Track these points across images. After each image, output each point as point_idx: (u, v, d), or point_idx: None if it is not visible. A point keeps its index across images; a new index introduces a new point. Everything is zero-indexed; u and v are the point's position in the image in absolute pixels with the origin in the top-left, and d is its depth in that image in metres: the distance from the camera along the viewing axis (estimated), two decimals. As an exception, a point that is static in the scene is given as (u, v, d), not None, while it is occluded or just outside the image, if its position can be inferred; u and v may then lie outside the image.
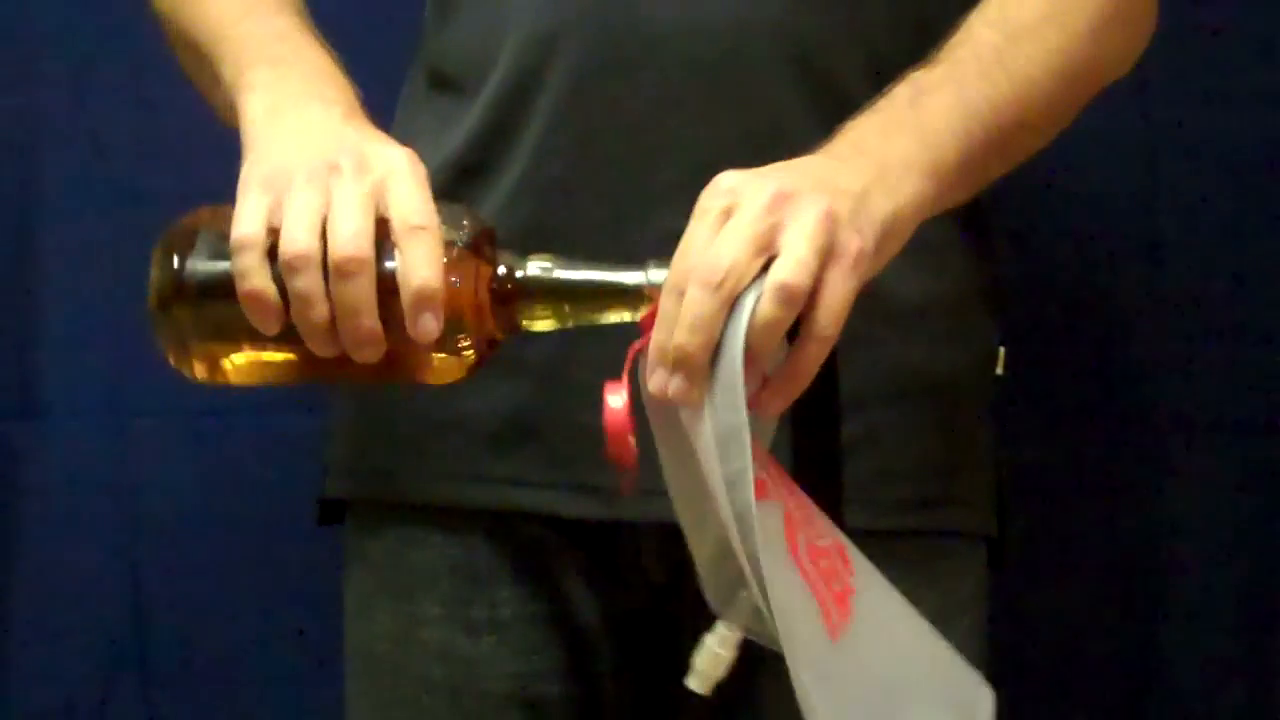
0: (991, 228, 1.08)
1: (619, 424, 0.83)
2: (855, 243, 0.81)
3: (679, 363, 0.79)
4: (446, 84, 1.05)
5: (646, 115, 0.97)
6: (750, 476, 0.78)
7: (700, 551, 0.88)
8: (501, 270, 0.86)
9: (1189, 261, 1.45)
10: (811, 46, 0.98)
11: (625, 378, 0.83)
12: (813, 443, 0.89)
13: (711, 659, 0.87)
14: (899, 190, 0.85)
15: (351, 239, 0.81)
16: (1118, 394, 1.47)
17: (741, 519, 0.79)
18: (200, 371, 0.88)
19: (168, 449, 1.49)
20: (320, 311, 0.82)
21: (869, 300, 0.83)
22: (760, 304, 0.79)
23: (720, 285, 0.78)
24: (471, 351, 0.86)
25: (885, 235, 0.83)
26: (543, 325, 0.87)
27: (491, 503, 1.02)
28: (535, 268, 0.86)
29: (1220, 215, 1.45)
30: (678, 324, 0.79)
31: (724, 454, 0.79)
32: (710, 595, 0.88)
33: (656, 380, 0.81)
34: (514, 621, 1.04)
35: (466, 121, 1.01)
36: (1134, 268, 1.47)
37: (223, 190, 1.47)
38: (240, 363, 0.87)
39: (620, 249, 0.89)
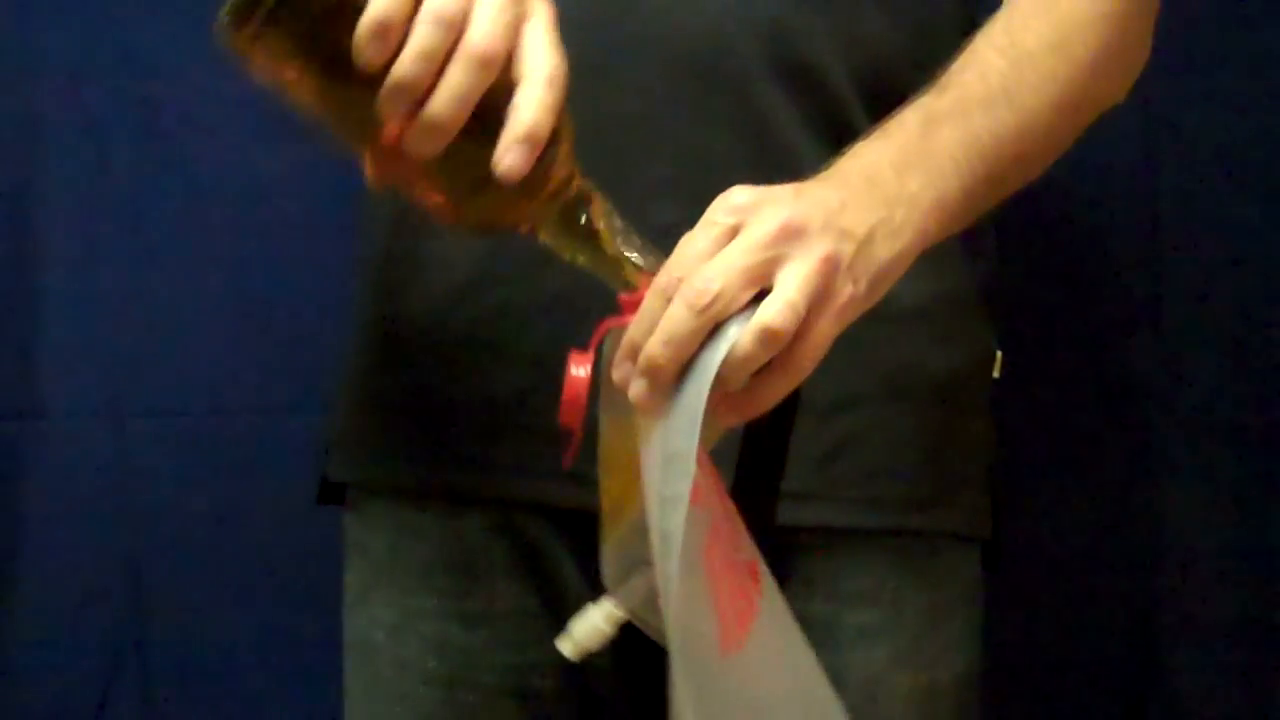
0: (989, 231, 1.08)
1: (577, 396, 0.82)
2: (848, 291, 0.81)
3: (646, 370, 0.79)
4: None
5: (636, 111, 0.97)
6: (685, 504, 0.78)
7: (610, 527, 0.88)
8: (566, 172, 0.85)
9: (1188, 261, 1.45)
10: (802, 47, 0.98)
11: (592, 352, 0.83)
12: (759, 449, 0.89)
13: (589, 630, 0.87)
14: (901, 234, 0.84)
15: (494, 35, 0.79)
16: (1116, 394, 1.47)
17: (667, 539, 0.78)
18: (259, 59, 0.82)
19: (168, 449, 1.49)
20: (425, 71, 0.79)
21: None
22: (741, 339, 0.78)
23: (705, 309, 0.78)
24: (503, 208, 0.85)
25: (880, 281, 0.83)
26: (551, 239, 0.86)
27: (490, 491, 1.02)
28: (598, 197, 0.85)
29: (1220, 214, 1.45)
30: (654, 333, 0.79)
31: (666, 473, 0.78)
32: (607, 570, 0.88)
33: (620, 373, 0.80)
34: (510, 614, 1.04)
35: None
36: (1133, 267, 1.47)
37: (222, 190, 1.49)
38: (305, 79, 0.82)
39: None
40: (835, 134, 0.95)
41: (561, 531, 1.03)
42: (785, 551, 0.96)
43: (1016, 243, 1.38)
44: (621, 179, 0.87)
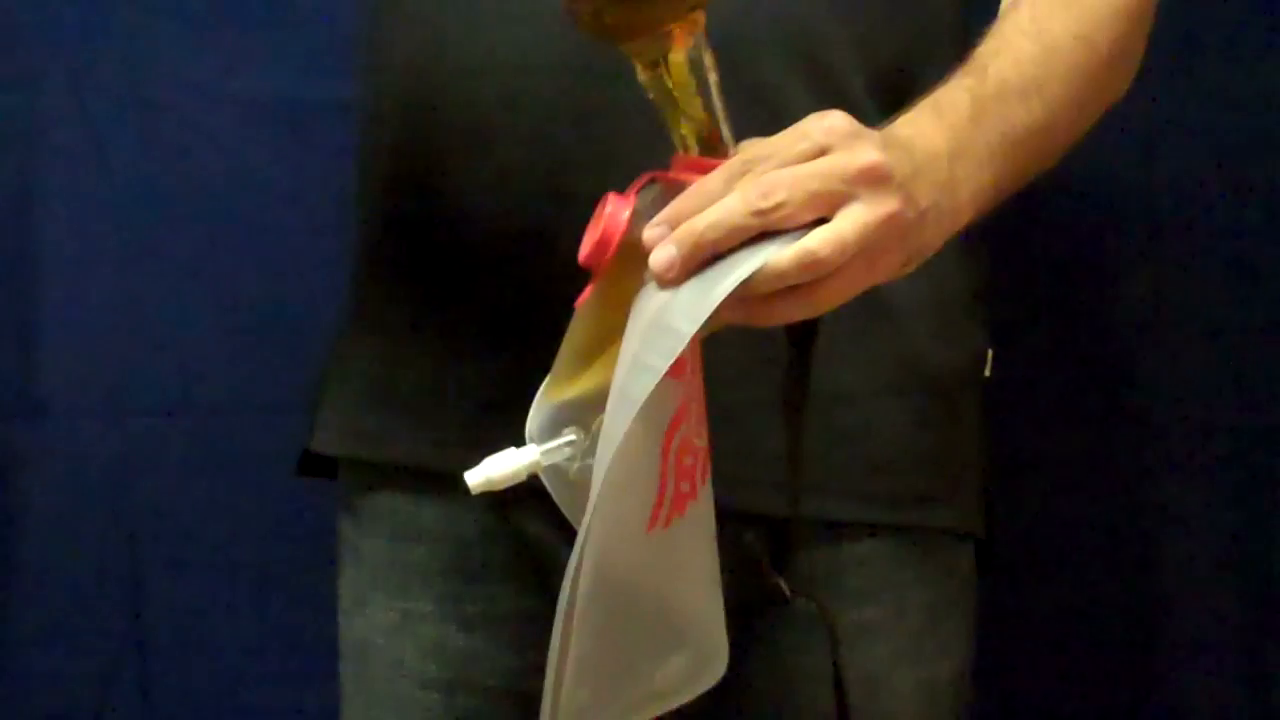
0: (984, 231, 1.08)
1: (608, 238, 0.82)
2: (894, 258, 0.81)
3: (682, 242, 0.79)
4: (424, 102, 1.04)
5: (643, 98, 0.97)
6: (657, 378, 0.77)
7: (557, 384, 0.86)
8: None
9: (1187, 261, 1.45)
10: (813, 37, 0.98)
11: (633, 196, 0.83)
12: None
13: (502, 467, 0.85)
14: (943, 221, 0.85)
15: None
16: (1114, 394, 1.47)
17: (627, 401, 0.78)
18: None
19: (168, 449, 1.49)
20: None
21: (864, 295, 0.83)
22: (784, 255, 0.78)
23: (764, 213, 0.78)
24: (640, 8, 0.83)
25: (917, 259, 0.84)
26: (653, 70, 0.85)
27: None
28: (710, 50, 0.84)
29: (1218, 215, 1.45)
30: (705, 211, 0.79)
31: (651, 343, 0.78)
32: (533, 422, 0.86)
33: (654, 233, 0.80)
34: (509, 616, 1.04)
35: (459, 102, 1.01)
36: (1131, 267, 1.47)
37: (222, 190, 1.49)
38: None
39: None
40: None
41: (561, 525, 1.02)
42: (784, 546, 0.96)
43: (1016, 242, 1.38)
44: (627, 168, 0.86)
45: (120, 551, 1.49)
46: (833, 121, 0.81)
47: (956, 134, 0.87)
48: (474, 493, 0.85)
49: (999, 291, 1.12)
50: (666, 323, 0.78)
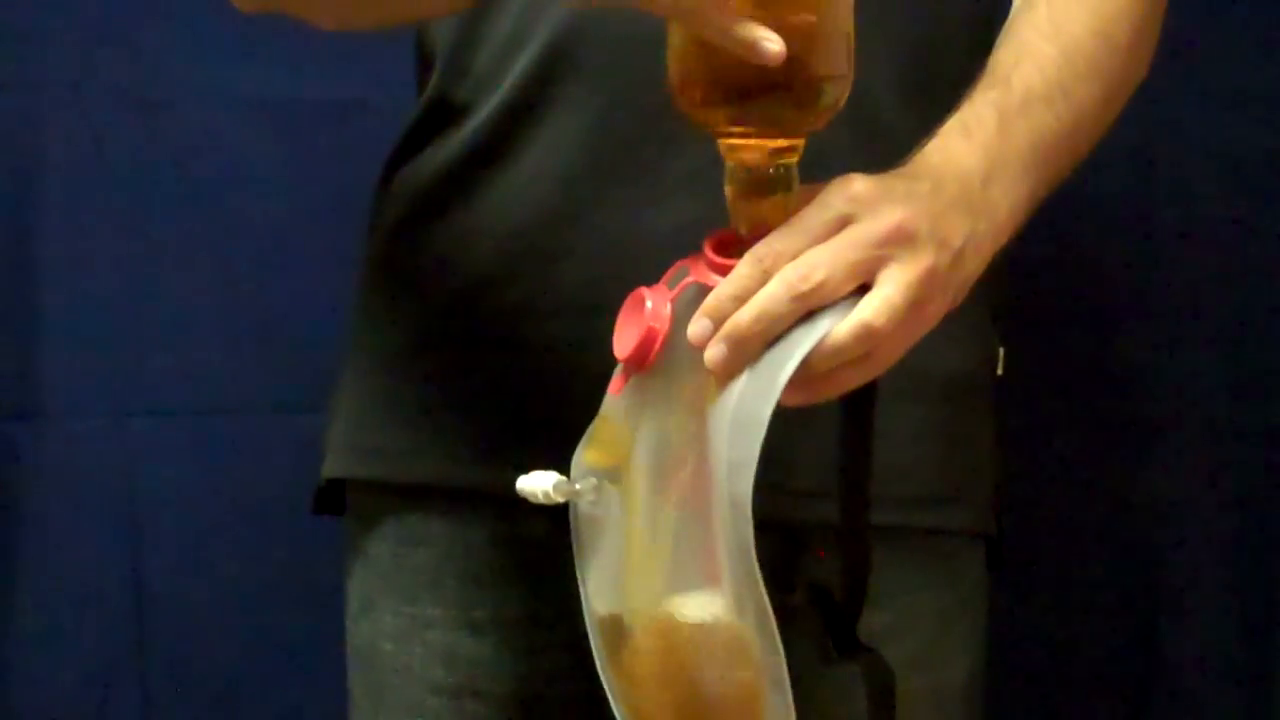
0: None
1: (656, 335, 0.83)
2: (938, 302, 0.83)
3: (730, 337, 0.80)
4: (457, 101, 1.04)
5: (664, 103, 0.97)
6: (754, 469, 0.79)
7: (601, 449, 0.88)
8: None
9: (1187, 262, 1.45)
10: None
11: (667, 289, 0.84)
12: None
13: (532, 489, 0.89)
14: (983, 247, 0.86)
15: None
16: (1115, 394, 1.47)
17: (738, 506, 0.79)
18: None
19: (168, 449, 1.48)
20: None
21: None
22: (840, 331, 0.79)
23: (805, 296, 0.79)
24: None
25: (961, 292, 0.85)
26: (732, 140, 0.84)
27: (496, 485, 1.02)
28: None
29: (1218, 215, 1.45)
30: (747, 305, 0.79)
31: (736, 438, 0.79)
32: (576, 469, 0.89)
33: (699, 330, 0.81)
34: (519, 621, 1.03)
35: (484, 109, 1.01)
36: (1132, 268, 1.47)
37: (222, 190, 1.49)
38: None
39: (633, 237, 0.88)
40: (869, 129, 0.95)
41: (567, 537, 1.02)
42: (796, 551, 0.96)
43: (1015, 242, 1.38)
44: (648, 172, 0.86)
45: (120, 552, 1.48)
46: (854, 189, 0.82)
47: (988, 152, 0.87)
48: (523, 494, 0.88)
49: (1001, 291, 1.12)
50: (743, 419, 0.80)
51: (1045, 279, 1.45)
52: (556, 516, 1.01)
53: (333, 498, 1.11)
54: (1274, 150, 1.44)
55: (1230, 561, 1.46)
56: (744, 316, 0.79)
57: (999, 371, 1.09)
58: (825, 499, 0.95)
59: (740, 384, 0.80)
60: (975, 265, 0.85)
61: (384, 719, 1.07)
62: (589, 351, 0.96)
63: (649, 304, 0.84)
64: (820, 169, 0.84)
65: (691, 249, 0.86)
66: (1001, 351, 1.09)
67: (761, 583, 0.79)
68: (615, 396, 0.88)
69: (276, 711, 1.51)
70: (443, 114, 1.04)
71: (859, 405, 0.87)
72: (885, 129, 0.96)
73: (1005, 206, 0.87)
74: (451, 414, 1.02)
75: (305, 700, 1.47)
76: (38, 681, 1.48)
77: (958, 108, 0.90)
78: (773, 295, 0.79)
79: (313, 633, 1.44)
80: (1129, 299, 1.47)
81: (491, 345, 1.01)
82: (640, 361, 0.84)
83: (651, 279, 0.85)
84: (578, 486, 0.88)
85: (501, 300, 1.00)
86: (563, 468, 0.93)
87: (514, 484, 1.00)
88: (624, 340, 0.85)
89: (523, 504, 1.01)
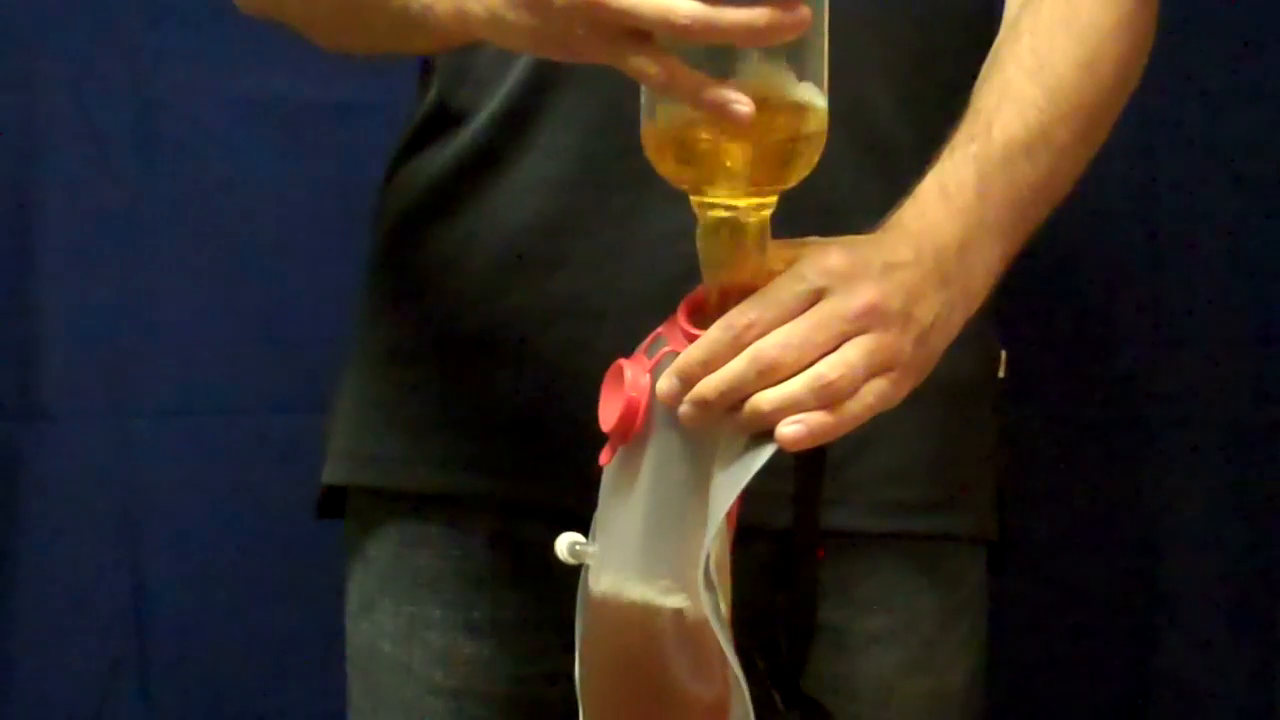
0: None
1: (637, 405, 0.85)
2: (899, 388, 0.83)
3: (697, 402, 0.81)
4: (455, 106, 1.04)
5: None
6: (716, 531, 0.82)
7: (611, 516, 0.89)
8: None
9: (1187, 261, 1.45)
10: (835, 48, 0.97)
11: (645, 359, 0.85)
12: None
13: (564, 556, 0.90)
14: (953, 321, 0.87)
15: None
16: (1116, 394, 1.47)
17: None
18: None
19: (168, 449, 1.49)
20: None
21: None
22: (795, 384, 0.80)
23: (769, 374, 0.80)
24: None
25: (925, 371, 0.86)
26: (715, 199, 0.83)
27: (495, 492, 1.02)
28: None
29: (1219, 215, 1.45)
30: (715, 372, 0.81)
31: (718, 496, 0.82)
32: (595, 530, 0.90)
33: (668, 387, 0.83)
34: (517, 624, 1.03)
35: (481, 115, 1.01)
36: (1132, 268, 1.47)
37: (222, 191, 1.49)
38: None
39: (629, 244, 0.88)
40: (867, 138, 0.95)
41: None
42: (791, 558, 0.96)
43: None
44: (641, 180, 0.86)
45: (121, 552, 1.49)
46: (829, 263, 0.82)
47: (966, 218, 0.88)
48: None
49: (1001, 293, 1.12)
50: (730, 475, 0.82)
51: (1047, 279, 1.45)
52: (555, 519, 1.01)
53: (333, 501, 1.11)
54: (1274, 150, 1.44)
55: (1230, 561, 1.46)
56: (710, 387, 0.81)
57: (1001, 374, 1.09)
58: (824, 505, 0.95)
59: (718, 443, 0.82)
60: (943, 342, 0.86)
61: (383, 719, 1.07)
62: (585, 357, 0.96)
63: (628, 374, 0.85)
64: (820, 177, 0.84)
65: (686, 256, 0.86)
66: (1004, 354, 1.09)
67: (737, 662, 0.81)
68: (607, 468, 0.89)
69: (276, 711, 1.51)
70: (442, 118, 1.04)
71: (810, 462, 0.89)
72: (884, 137, 0.96)
73: (980, 273, 0.88)
74: (450, 420, 1.03)
75: (305, 700, 1.47)
76: (38, 682, 1.48)
77: (937, 157, 0.90)
78: (739, 373, 0.81)
79: (312, 633, 1.44)
80: (1130, 299, 1.47)
81: (488, 351, 1.01)
82: (625, 432, 0.86)
83: (647, 285, 0.85)
84: (590, 549, 0.90)
85: (498, 306, 1.00)
86: (562, 470, 0.93)
87: (512, 489, 1.01)
88: (608, 412, 0.86)
89: (521, 508, 1.02)
